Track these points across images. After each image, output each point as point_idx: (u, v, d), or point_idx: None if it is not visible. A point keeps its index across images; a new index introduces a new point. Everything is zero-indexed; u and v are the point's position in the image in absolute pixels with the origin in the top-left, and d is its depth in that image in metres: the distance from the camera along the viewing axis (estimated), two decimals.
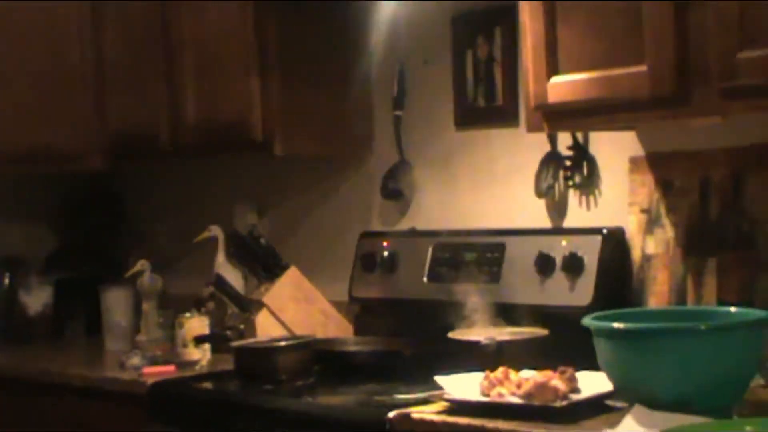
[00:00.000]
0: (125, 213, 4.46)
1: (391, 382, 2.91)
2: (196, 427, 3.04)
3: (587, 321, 2.33)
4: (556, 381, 2.44)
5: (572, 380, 2.48)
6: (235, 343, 3.18)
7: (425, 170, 3.45)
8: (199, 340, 3.41)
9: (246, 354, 3.11)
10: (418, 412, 2.54)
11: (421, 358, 3.01)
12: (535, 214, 3.16)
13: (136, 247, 4.26)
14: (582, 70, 2.58)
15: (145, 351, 3.56)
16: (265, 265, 3.51)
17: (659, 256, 2.84)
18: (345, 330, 3.51)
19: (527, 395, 2.43)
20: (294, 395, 2.94)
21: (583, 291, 2.91)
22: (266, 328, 3.36)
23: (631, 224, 2.91)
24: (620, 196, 2.96)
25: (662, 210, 2.85)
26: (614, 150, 2.98)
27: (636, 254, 2.89)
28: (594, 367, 2.37)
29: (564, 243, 2.98)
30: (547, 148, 3.09)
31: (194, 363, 3.40)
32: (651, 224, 2.87)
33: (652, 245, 2.86)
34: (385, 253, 3.39)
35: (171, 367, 3.37)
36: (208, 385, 3.20)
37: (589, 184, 3.05)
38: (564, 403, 2.41)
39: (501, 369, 2.54)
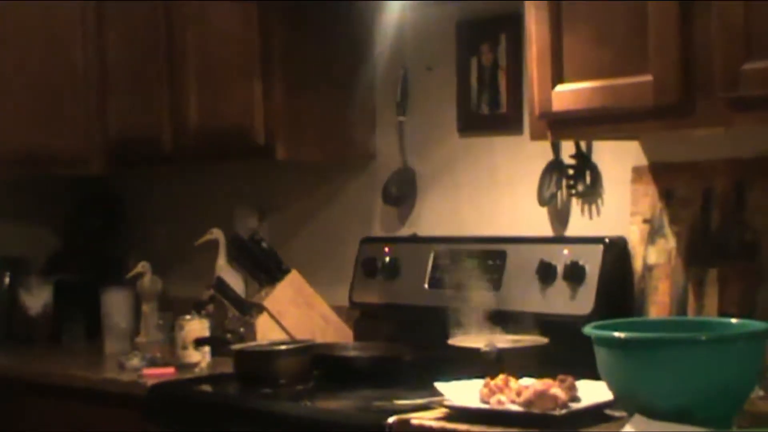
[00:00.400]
0: (126, 215, 4.46)
1: (391, 387, 2.90)
2: (195, 429, 3.03)
3: (588, 330, 2.33)
4: (556, 389, 2.44)
5: (572, 389, 2.48)
6: (235, 347, 3.18)
7: (427, 176, 3.45)
8: (199, 343, 3.41)
9: (246, 357, 3.11)
10: (418, 418, 2.54)
11: (421, 364, 3.01)
12: (537, 222, 3.16)
13: (137, 250, 4.25)
14: (587, 78, 2.58)
15: (144, 353, 3.56)
16: (266, 269, 3.51)
17: (661, 266, 2.84)
18: (345, 335, 3.51)
19: (527, 403, 2.43)
20: (293, 399, 2.94)
21: (584, 300, 2.91)
22: (266, 332, 3.37)
23: (633, 234, 2.91)
24: (622, 206, 2.96)
25: (664, 220, 2.85)
26: (617, 159, 2.99)
27: (637, 264, 2.89)
28: (594, 376, 2.37)
29: (566, 251, 2.98)
30: (550, 156, 3.09)
31: (194, 365, 3.41)
32: (653, 234, 2.87)
33: (654, 255, 2.86)
34: (387, 259, 3.39)
35: (170, 369, 3.37)
36: (207, 387, 3.20)
37: (592, 193, 3.05)
38: (563, 411, 2.40)
39: (501, 376, 2.54)
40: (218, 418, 3.00)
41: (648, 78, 2.45)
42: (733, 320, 2.41)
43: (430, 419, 2.52)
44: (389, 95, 3.51)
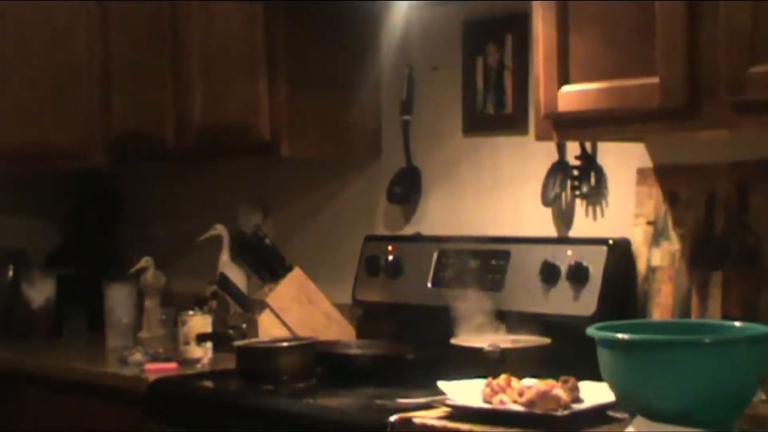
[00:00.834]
0: (129, 211, 4.46)
1: (393, 386, 2.90)
2: (197, 425, 3.03)
3: (591, 331, 2.33)
4: (559, 390, 2.44)
5: (574, 390, 2.48)
6: (238, 343, 3.18)
7: (432, 176, 3.46)
8: (201, 339, 3.41)
9: (248, 354, 3.11)
10: (420, 417, 2.54)
11: (424, 363, 3.01)
12: (541, 222, 3.16)
13: (140, 245, 4.26)
14: (593, 79, 2.58)
15: (146, 348, 3.57)
16: (269, 266, 3.51)
17: (664, 268, 2.84)
18: (347, 333, 3.51)
19: (529, 403, 2.43)
20: (295, 396, 2.94)
21: (588, 301, 2.91)
22: (268, 329, 3.36)
23: (637, 236, 2.92)
24: (627, 208, 2.96)
25: (668, 222, 2.85)
26: (622, 161, 2.99)
27: (641, 266, 2.89)
28: (596, 377, 2.37)
29: (569, 252, 2.98)
30: (555, 157, 3.09)
31: (196, 361, 3.41)
32: (657, 236, 2.87)
33: (658, 257, 2.86)
34: (390, 258, 3.39)
35: (173, 365, 3.38)
36: (209, 383, 3.20)
37: (596, 195, 3.05)
38: (566, 412, 2.40)
39: (503, 376, 2.54)
40: (219, 414, 3.00)
41: (654, 80, 2.45)
42: (736, 323, 2.41)
43: (432, 418, 2.52)
44: (395, 94, 3.51)
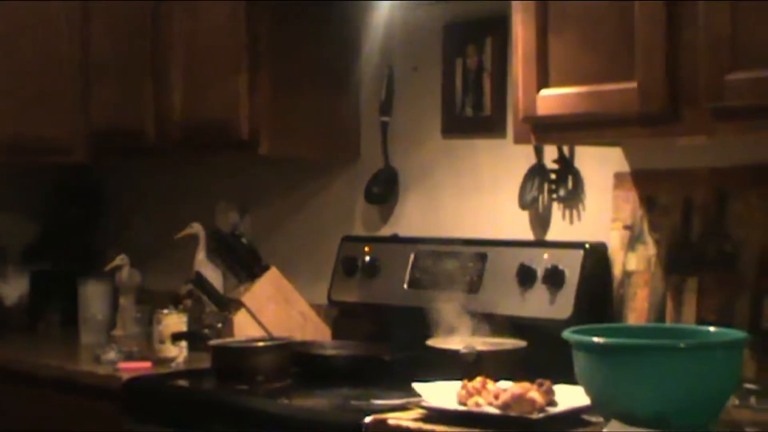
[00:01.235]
0: (106, 207, 4.44)
1: (369, 387, 2.90)
2: (171, 425, 3.02)
3: (567, 334, 2.33)
4: (534, 393, 2.44)
5: (549, 393, 2.48)
6: (213, 342, 3.17)
7: (410, 177, 3.45)
8: (176, 337, 3.40)
9: (223, 353, 3.10)
10: (395, 419, 2.54)
11: (400, 364, 3.01)
12: (518, 225, 3.17)
13: (116, 242, 4.24)
14: (572, 84, 2.59)
15: (121, 346, 3.55)
16: (245, 265, 3.50)
17: (640, 272, 2.85)
18: (323, 333, 3.50)
19: (504, 406, 2.43)
20: (270, 396, 2.93)
21: (564, 304, 2.91)
22: (244, 328, 3.36)
23: (614, 240, 2.92)
24: (604, 212, 2.97)
25: (645, 227, 2.86)
26: (599, 165, 2.99)
27: (617, 270, 2.90)
28: (571, 380, 2.37)
29: (546, 256, 2.99)
30: (533, 160, 3.10)
31: (170, 360, 3.40)
32: (633, 241, 2.88)
33: (634, 262, 2.87)
34: (367, 258, 3.39)
35: (147, 364, 3.36)
36: (184, 382, 3.19)
37: (573, 198, 3.06)
38: (541, 415, 2.41)
39: (479, 379, 2.55)
40: (194, 413, 2.99)
41: (633, 85, 2.46)
42: (712, 329, 2.42)
43: (407, 420, 2.52)
44: (375, 95, 3.50)
